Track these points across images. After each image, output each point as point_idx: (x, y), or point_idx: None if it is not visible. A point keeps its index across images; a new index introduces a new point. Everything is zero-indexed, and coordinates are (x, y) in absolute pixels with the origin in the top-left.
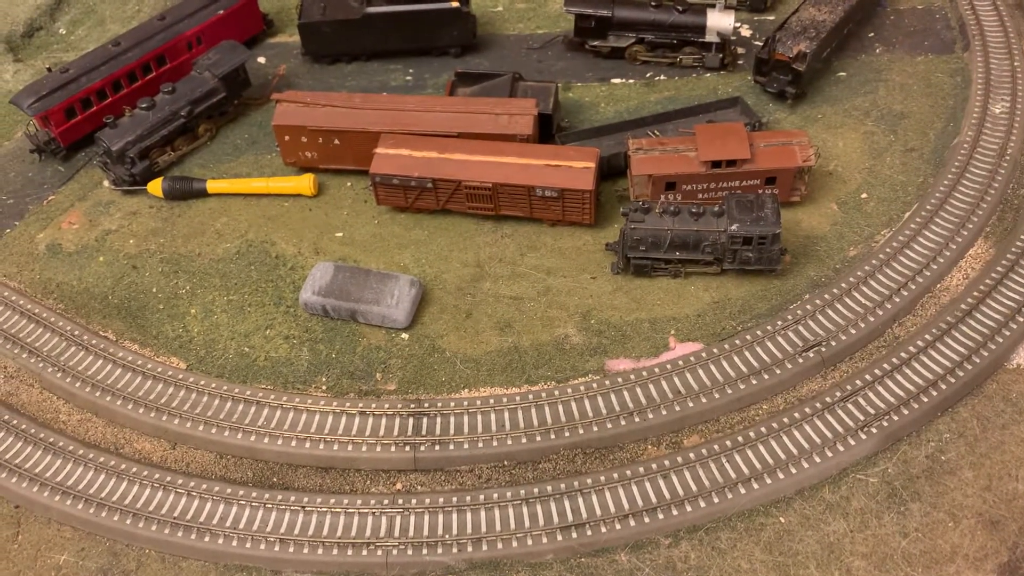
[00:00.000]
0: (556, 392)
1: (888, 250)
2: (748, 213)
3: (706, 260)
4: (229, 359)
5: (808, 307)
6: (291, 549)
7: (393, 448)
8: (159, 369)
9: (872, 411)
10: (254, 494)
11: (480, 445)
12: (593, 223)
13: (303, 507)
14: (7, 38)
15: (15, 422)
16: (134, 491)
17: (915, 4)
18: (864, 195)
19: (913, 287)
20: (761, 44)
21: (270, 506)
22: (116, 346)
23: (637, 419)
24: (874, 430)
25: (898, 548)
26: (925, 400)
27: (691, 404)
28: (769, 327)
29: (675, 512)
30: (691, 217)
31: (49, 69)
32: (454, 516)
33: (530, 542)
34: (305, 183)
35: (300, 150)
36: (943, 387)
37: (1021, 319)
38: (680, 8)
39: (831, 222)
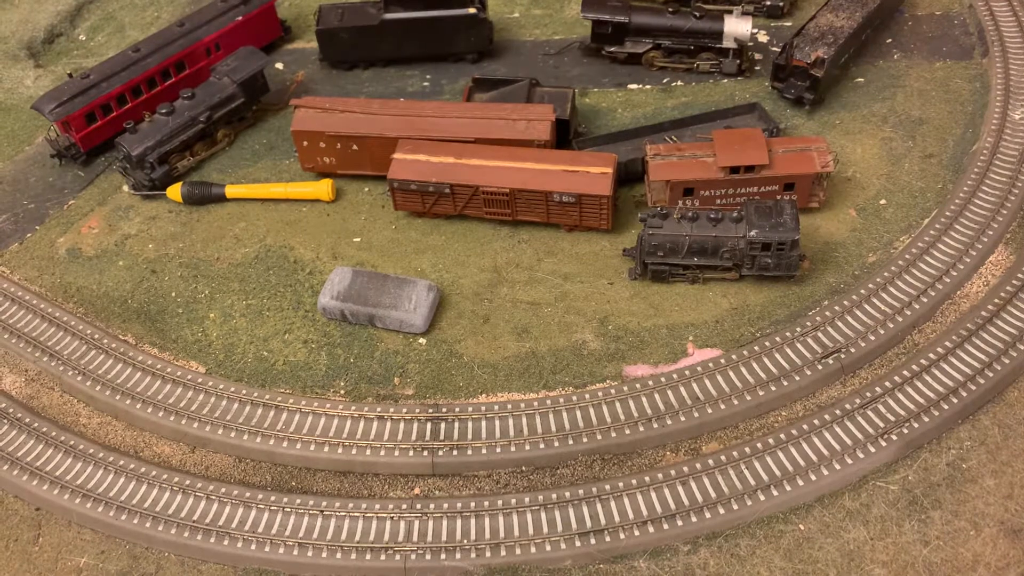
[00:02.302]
0: (574, 398)
1: (907, 256)
2: (767, 219)
3: (724, 266)
4: (248, 363)
5: (827, 313)
6: (309, 553)
7: (411, 453)
8: (178, 373)
9: (892, 418)
10: (273, 498)
11: (498, 450)
12: (610, 229)
13: (321, 511)
14: (28, 44)
15: (36, 425)
16: (154, 494)
17: (933, 10)
18: (883, 201)
19: (933, 294)
20: (779, 50)
21: (288, 510)
22: (135, 350)
23: (655, 425)
24: (894, 437)
25: (919, 556)
26: (946, 407)
27: (709, 410)
28: (788, 333)
29: (694, 519)
30: (709, 223)
31: (70, 75)
32: (472, 521)
33: (548, 548)
34: (323, 188)
35: (318, 155)
36: (964, 394)
37: None
38: (697, 14)
39: (850, 228)
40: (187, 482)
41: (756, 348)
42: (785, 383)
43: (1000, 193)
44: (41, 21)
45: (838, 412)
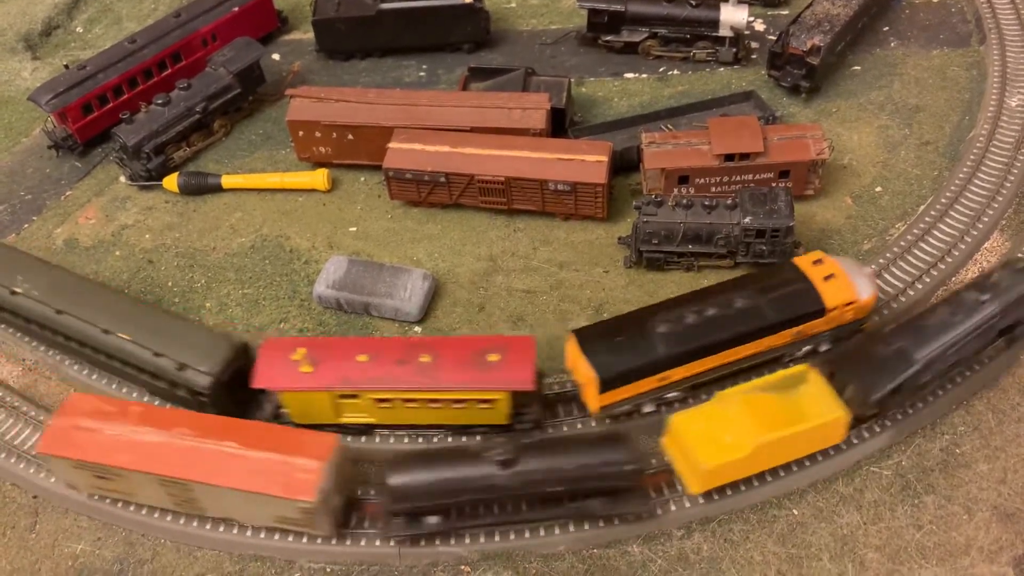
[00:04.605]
0: (568, 385)
1: (903, 244)
2: (761, 206)
3: (719, 253)
4: None
5: None
6: (304, 540)
7: (406, 439)
8: None
9: None
10: None
11: None
12: (606, 217)
13: None
14: (26, 36)
15: (33, 413)
16: None
17: None
18: (879, 188)
19: (928, 280)
20: (775, 38)
21: None
22: None
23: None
24: (888, 423)
25: (912, 541)
26: (940, 393)
27: (703, 396)
28: None
29: (687, 504)
30: (704, 210)
31: (66, 66)
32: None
33: (543, 533)
34: (319, 178)
35: (314, 145)
36: (958, 380)
37: None
38: (693, 2)
39: (845, 215)
40: None
41: None
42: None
43: (996, 180)
44: (38, 13)
45: None
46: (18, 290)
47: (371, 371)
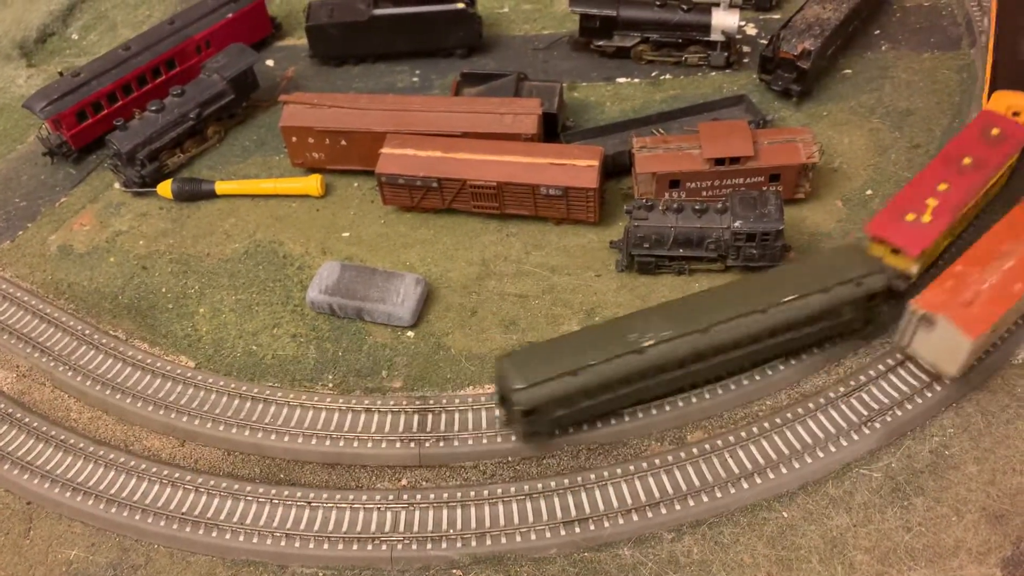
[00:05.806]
0: None
1: None
2: (751, 210)
3: (710, 257)
4: (237, 357)
5: None
6: (297, 544)
7: (398, 444)
8: (168, 367)
9: (876, 406)
10: (261, 490)
11: (484, 441)
12: (597, 221)
13: (309, 503)
14: (21, 44)
15: (27, 420)
16: (143, 487)
17: (921, 1)
18: (869, 192)
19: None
20: (766, 42)
21: (277, 502)
22: (126, 345)
23: (640, 415)
24: (878, 425)
25: (901, 542)
26: (929, 395)
27: (694, 400)
28: None
29: (678, 507)
30: (694, 214)
31: (61, 73)
32: (458, 511)
33: (534, 537)
34: (312, 184)
35: (307, 151)
36: (947, 382)
37: None
38: (685, 7)
39: (836, 219)
40: (176, 475)
41: None
42: (770, 372)
43: None
44: (33, 20)
45: (822, 400)
46: (648, 343)
47: (958, 189)
